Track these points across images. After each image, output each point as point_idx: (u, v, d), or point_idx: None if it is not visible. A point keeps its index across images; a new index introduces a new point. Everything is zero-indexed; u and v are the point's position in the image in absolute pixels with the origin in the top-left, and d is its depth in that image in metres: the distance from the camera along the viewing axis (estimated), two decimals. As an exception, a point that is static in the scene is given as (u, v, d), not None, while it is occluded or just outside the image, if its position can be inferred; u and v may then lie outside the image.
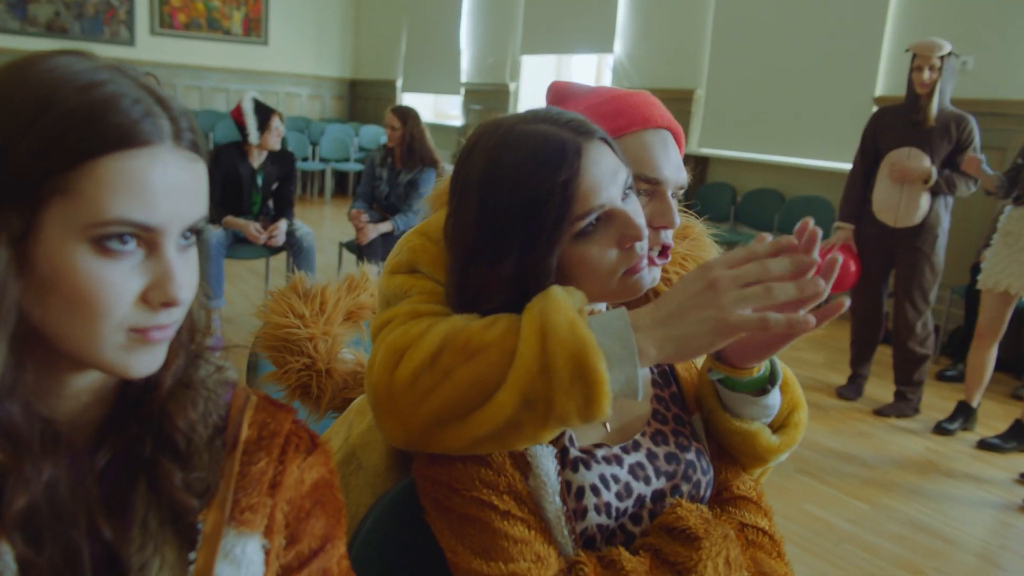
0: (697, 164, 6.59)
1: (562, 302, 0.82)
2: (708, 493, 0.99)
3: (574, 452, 0.92)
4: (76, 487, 0.65)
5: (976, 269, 4.30)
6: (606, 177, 0.86)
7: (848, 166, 5.35)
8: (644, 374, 0.99)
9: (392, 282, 1.02)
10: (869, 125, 3.81)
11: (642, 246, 0.88)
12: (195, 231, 0.66)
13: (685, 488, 0.96)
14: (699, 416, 1.03)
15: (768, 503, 1.05)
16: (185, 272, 0.64)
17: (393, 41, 10.11)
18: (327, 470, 0.79)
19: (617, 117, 1.05)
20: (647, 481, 0.94)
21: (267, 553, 0.70)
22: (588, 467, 0.91)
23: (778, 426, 1.04)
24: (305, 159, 9.27)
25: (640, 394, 0.80)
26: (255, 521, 0.70)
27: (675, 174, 1.05)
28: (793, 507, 2.82)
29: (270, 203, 4.40)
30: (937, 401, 3.94)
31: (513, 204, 0.85)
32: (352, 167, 9.23)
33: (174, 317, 0.65)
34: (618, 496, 0.92)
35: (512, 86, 8.39)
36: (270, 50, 10.16)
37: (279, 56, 10.21)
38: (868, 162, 3.77)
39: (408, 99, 9.80)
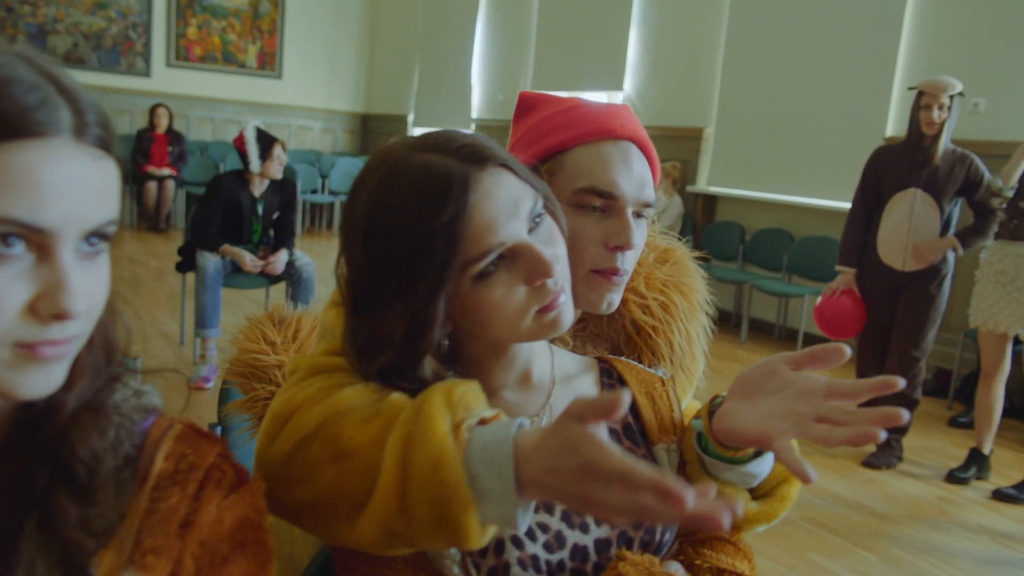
0: (706, 203, 6.53)
1: (435, 425, 0.67)
2: (669, 537, 0.88)
3: None
4: None
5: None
6: (504, 211, 0.76)
7: (858, 206, 5.34)
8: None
9: (327, 315, 0.94)
10: (869, 165, 3.71)
11: (555, 281, 0.78)
12: (102, 236, 0.59)
13: (635, 535, 0.85)
14: (664, 446, 0.92)
15: (748, 543, 0.95)
16: (85, 282, 0.57)
17: (405, 76, 10.18)
18: (253, 510, 0.70)
19: (573, 127, 0.97)
20: (585, 529, 0.83)
21: None
22: None
23: (762, 493, 0.93)
24: (315, 191, 9.28)
25: (522, 528, 0.66)
26: (158, 566, 0.62)
27: (635, 190, 0.95)
28: (797, 556, 2.69)
29: (271, 232, 4.35)
30: (950, 448, 3.80)
31: (394, 249, 0.75)
32: (361, 200, 9.21)
33: (69, 332, 0.57)
34: (547, 548, 0.80)
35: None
36: (284, 84, 10.25)
37: (292, 90, 10.29)
38: (870, 204, 3.66)
39: (419, 134, 9.81)
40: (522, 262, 0.77)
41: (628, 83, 7.13)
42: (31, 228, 0.54)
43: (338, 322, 0.91)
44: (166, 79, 9.44)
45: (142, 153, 8.14)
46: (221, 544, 0.67)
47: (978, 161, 3.45)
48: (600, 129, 0.96)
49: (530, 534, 0.80)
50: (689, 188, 6.53)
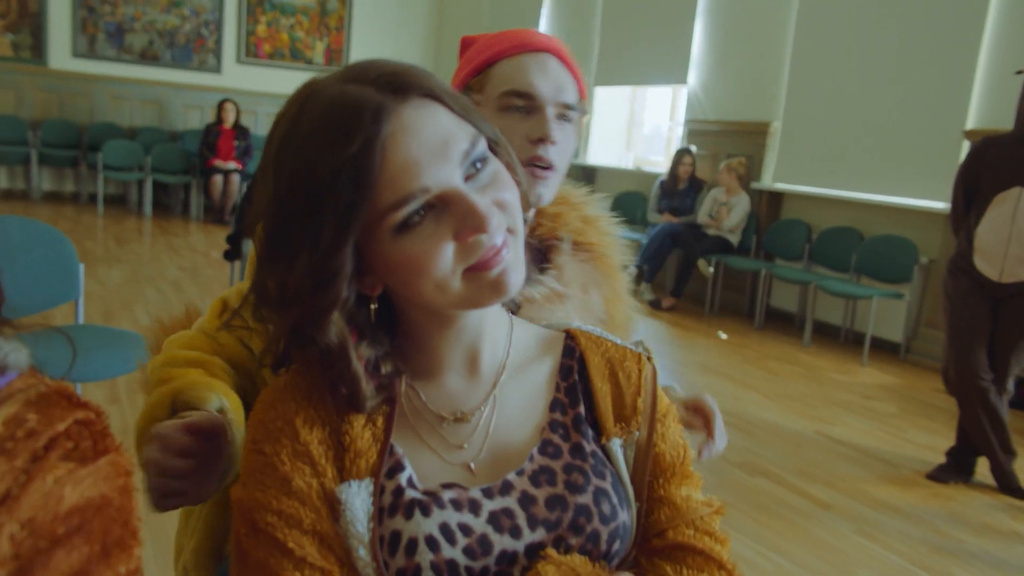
0: (771, 200, 6.27)
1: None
2: (618, 546, 0.74)
3: (412, 493, 0.71)
4: None
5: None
6: (429, 150, 0.66)
7: (934, 204, 5.02)
8: (528, 392, 0.79)
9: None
10: (970, 160, 3.26)
11: (490, 236, 0.67)
12: None
13: (575, 541, 0.72)
14: (620, 440, 0.79)
15: (728, 556, 0.79)
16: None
17: (470, 73, 10.13)
18: (112, 487, 0.59)
19: (494, 45, 1.07)
20: (515, 533, 0.71)
21: None
22: (427, 513, 0.70)
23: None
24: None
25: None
26: None
27: (552, 91, 1.05)
28: (844, 571, 2.48)
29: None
30: (1027, 464, 3.50)
31: (298, 189, 0.66)
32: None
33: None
34: (468, 552, 0.69)
35: (585, 118, 8.22)
36: (350, 80, 10.34)
37: (359, 86, 10.37)
38: (969, 203, 3.26)
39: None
40: (452, 213, 0.67)
41: (692, 77, 6.91)
42: None
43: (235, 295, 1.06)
44: (236, 75, 9.63)
45: (209, 147, 8.31)
46: (54, 524, 0.56)
47: None
48: (520, 44, 1.07)
49: (448, 536, 0.69)
50: (754, 185, 6.27)
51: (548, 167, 1.03)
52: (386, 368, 0.75)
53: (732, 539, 0.81)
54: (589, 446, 0.77)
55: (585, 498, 0.73)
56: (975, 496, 3.19)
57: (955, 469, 3.32)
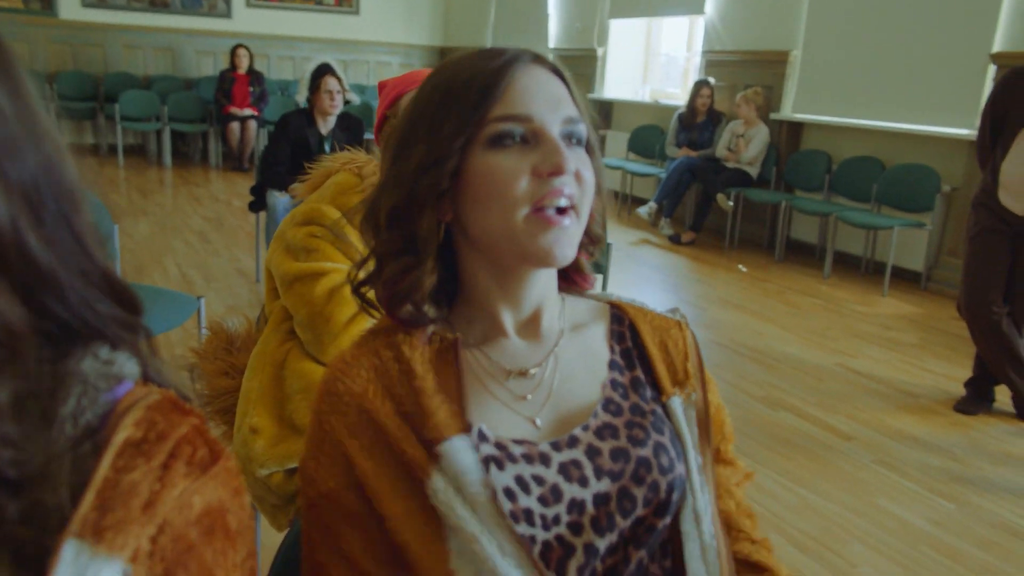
0: (791, 130, 6.21)
1: None
2: (676, 495, 0.81)
3: (486, 449, 0.77)
4: None
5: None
6: (544, 98, 0.78)
7: (958, 131, 4.96)
8: (586, 353, 0.86)
9: (293, 233, 1.52)
10: (997, 92, 3.18)
11: (562, 183, 0.76)
12: None
13: (638, 492, 0.79)
14: (680, 398, 0.86)
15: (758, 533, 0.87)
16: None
17: (483, 7, 9.97)
18: (228, 491, 0.64)
19: (399, 84, 1.47)
20: (583, 483, 0.78)
21: None
22: (501, 467, 0.76)
23: None
24: (393, 128, 9.28)
25: None
26: (119, 543, 0.56)
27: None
28: (864, 501, 2.57)
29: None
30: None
31: (436, 90, 0.79)
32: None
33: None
34: (542, 501, 0.76)
35: (600, 51, 8.12)
36: (361, 20, 10.21)
37: (370, 25, 10.25)
38: (996, 137, 3.19)
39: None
40: (538, 150, 0.76)
41: (709, 5, 6.77)
42: None
43: (303, 237, 1.47)
44: (246, 19, 9.54)
45: (224, 94, 8.29)
46: (188, 529, 0.61)
47: None
48: (418, 78, 1.37)
49: (524, 486, 0.76)
50: (773, 116, 6.20)
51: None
52: (442, 329, 0.83)
53: (756, 472, 0.89)
54: (648, 405, 0.84)
55: (646, 451, 0.80)
56: (994, 424, 3.26)
57: (976, 399, 3.38)
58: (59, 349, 0.58)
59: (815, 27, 5.94)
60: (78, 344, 0.59)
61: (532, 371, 0.83)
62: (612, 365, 0.87)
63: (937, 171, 5.12)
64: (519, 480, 0.76)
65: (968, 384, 3.43)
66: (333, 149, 4.25)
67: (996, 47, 4.82)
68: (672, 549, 0.81)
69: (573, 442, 0.80)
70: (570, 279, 0.91)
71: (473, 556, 0.72)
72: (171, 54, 9.34)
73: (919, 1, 5.21)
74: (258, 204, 4.38)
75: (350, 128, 4.33)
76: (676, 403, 0.85)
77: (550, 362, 0.84)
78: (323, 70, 4.05)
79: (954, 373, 3.72)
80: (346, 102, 4.21)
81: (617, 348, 0.88)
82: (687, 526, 0.81)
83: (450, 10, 10.79)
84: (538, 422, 0.81)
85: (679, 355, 0.88)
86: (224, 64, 8.71)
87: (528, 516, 0.75)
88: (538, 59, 0.81)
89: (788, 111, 6.20)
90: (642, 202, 6.81)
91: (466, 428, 0.77)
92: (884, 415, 3.26)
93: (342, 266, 1.45)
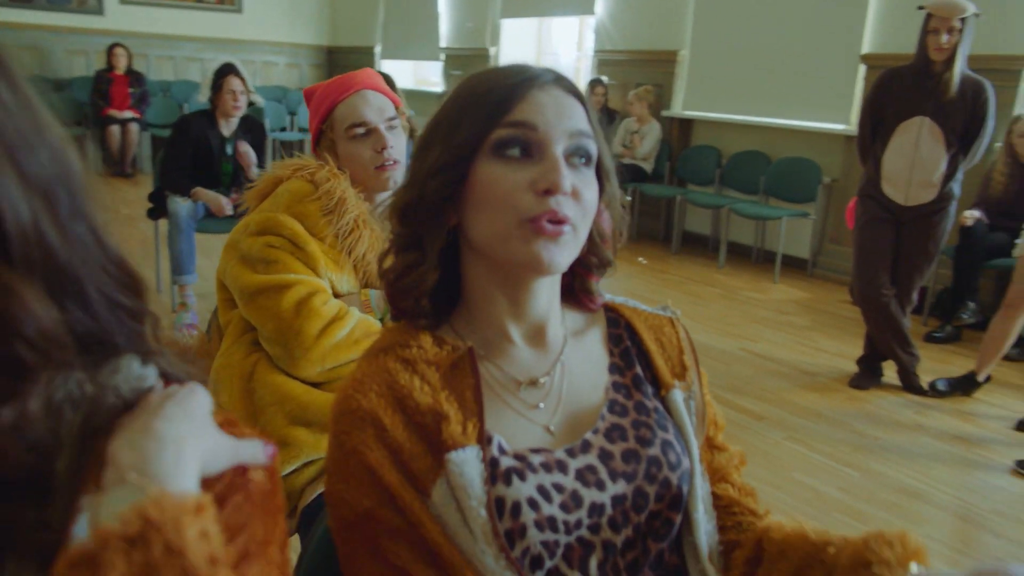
0: (682, 127, 6.47)
1: None
2: (686, 488, 0.86)
3: (506, 462, 0.79)
4: None
5: (967, 232, 4.23)
6: (552, 108, 0.80)
7: (835, 126, 5.32)
8: (588, 358, 0.90)
9: (249, 243, 1.53)
10: (875, 89, 3.46)
11: (558, 203, 0.78)
12: None
13: (651, 490, 0.83)
14: (682, 393, 0.90)
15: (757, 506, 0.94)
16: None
17: (371, 6, 9.86)
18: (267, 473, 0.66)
19: (329, 95, 1.59)
20: (600, 486, 0.81)
21: None
22: (523, 478, 0.78)
23: None
24: (283, 129, 9.07)
25: None
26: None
27: (376, 114, 1.57)
28: (782, 476, 2.76)
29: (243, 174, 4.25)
30: (927, 363, 3.88)
31: (457, 99, 0.84)
32: (331, 137, 9.02)
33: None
34: (564, 507, 0.79)
35: (492, 51, 8.20)
36: (244, 18, 9.89)
37: (254, 24, 9.94)
38: (875, 133, 3.47)
39: (387, 66, 9.57)
40: (539, 165, 0.78)
41: (599, 6, 6.96)
42: None
43: (260, 247, 1.49)
44: (120, 16, 9.07)
45: (102, 95, 7.88)
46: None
47: (990, 91, 3.20)
48: (345, 87, 1.57)
49: (546, 496, 0.78)
50: (664, 113, 6.46)
51: (391, 161, 1.56)
52: (454, 339, 0.86)
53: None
54: (651, 402, 0.88)
55: (655, 450, 0.84)
56: (885, 397, 3.54)
57: (868, 375, 3.66)
58: (91, 358, 0.55)
59: (701, 28, 6.22)
60: (108, 352, 0.56)
61: (542, 380, 0.86)
62: (612, 368, 0.90)
63: (818, 164, 5.47)
64: (541, 490, 0.78)
65: (859, 361, 3.70)
66: (235, 152, 4.15)
67: (865, 49, 5.20)
68: (679, 535, 0.87)
69: (586, 447, 0.83)
70: (579, 301, 0.94)
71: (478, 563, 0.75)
72: (38, 53, 8.77)
73: (796, 6, 5.55)
74: (157, 211, 4.22)
75: (252, 131, 4.22)
76: (677, 396, 0.89)
77: (557, 370, 0.87)
78: (226, 70, 3.95)
79: (845, 351, 4.01)
80: (250, 103, 4.11)
81: (615, 351, 0.92)
82: (697, 514, 0.86)
83: (337, 9, 10.62)
84: (552, 428, 0.84)
85: (674, 350, 0.93)
86: (99, 64, 8.27)
87: (552, 523, 0.77)
88: (560, 80, 0.83)
89: (679, 108, 6.47)
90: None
91: (483, 439, 0.78)
92: (789, 394, 3.48)
93: (306, 277, 1.44)
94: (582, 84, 6.99)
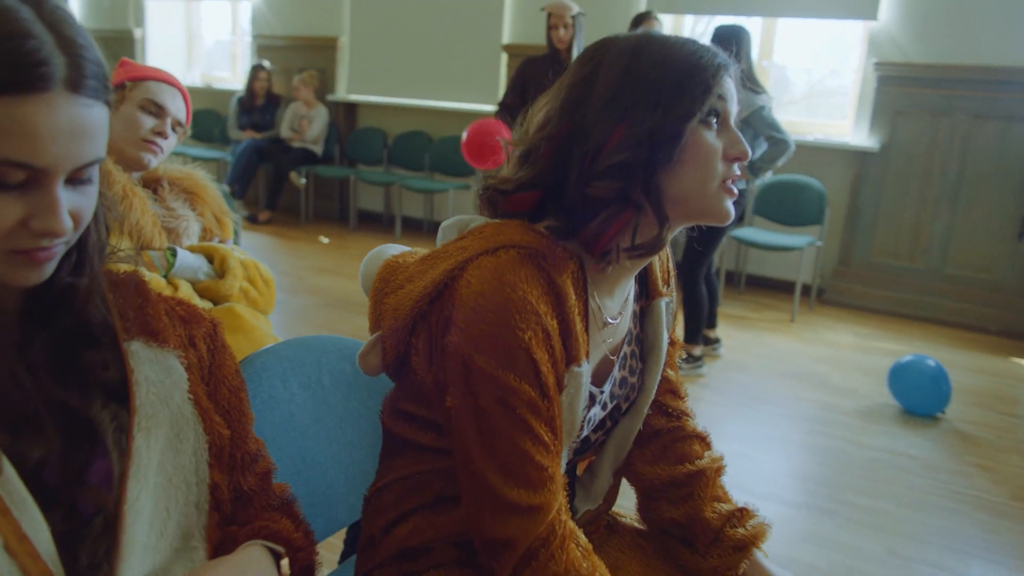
0: (347, 111, 6.79)
1: None
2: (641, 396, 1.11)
3: (592, 389, 0.99)
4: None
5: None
6: (734, 94, 0.94)
7: (484, 107, 6.00)
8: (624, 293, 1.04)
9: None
10: (518, 73, 4.11)
11: (737, 170, 0.94)
12: (90, 166, 0.69)
13: (624, 406, 1.08)
14: (664, 297, 1.09)
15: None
16: (76, 204, 0.68)
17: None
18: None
19: (145, 72, 1.72)
20: (610, 399, 1.05)
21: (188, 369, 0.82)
22: (592, 405, 1.00)
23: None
24: None
25: None
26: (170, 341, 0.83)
27: (176, 109, 1.77)
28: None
29: None
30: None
31: (667, 65, 0.89)
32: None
33: (58, 241, 0.68)
34: (603, 407, 1.03)
35: (138, 32, 7.75)
36: None
37: None
38: (519, 107, 3.98)
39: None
40: (726, 136, 0.92)
41: (254, -9, 6.98)
42: (28, 167, 0.63)
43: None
44: None
45: None
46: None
47: None
48: (162, 77, 1.73)
49: (595, 403, 1.02)
50: (330, 97, 6.72)
51: (158, 147, 1.71)
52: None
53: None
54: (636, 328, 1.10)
55: (634, 379, 1.09)
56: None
57: None
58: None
59: (358, 15, 6.56)
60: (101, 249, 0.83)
61: (612, 321, 1.02)
62: (636, 296, 1.09)
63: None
64: (600, 407, 1.03)
65: None
66: None
67: (505, 39, 5.96)
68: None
69: (612, 381, 1.05)
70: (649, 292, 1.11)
71: None
72: None
73: (443, -2, 6.14)
74: None
75: None
76: (662, 303, 1.09)
77: (627, 310, 1.05)
78: None
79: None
80: None
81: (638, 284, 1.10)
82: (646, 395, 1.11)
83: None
84: (612, 357, 1.03)
85: (663, 268, 1.12)
86: None
87: (589, 423, 1.01)
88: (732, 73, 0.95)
89: (343, 93, 6.77)
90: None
91: (586, 357, 0.92)
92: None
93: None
94: (240, 68, 6.95)
